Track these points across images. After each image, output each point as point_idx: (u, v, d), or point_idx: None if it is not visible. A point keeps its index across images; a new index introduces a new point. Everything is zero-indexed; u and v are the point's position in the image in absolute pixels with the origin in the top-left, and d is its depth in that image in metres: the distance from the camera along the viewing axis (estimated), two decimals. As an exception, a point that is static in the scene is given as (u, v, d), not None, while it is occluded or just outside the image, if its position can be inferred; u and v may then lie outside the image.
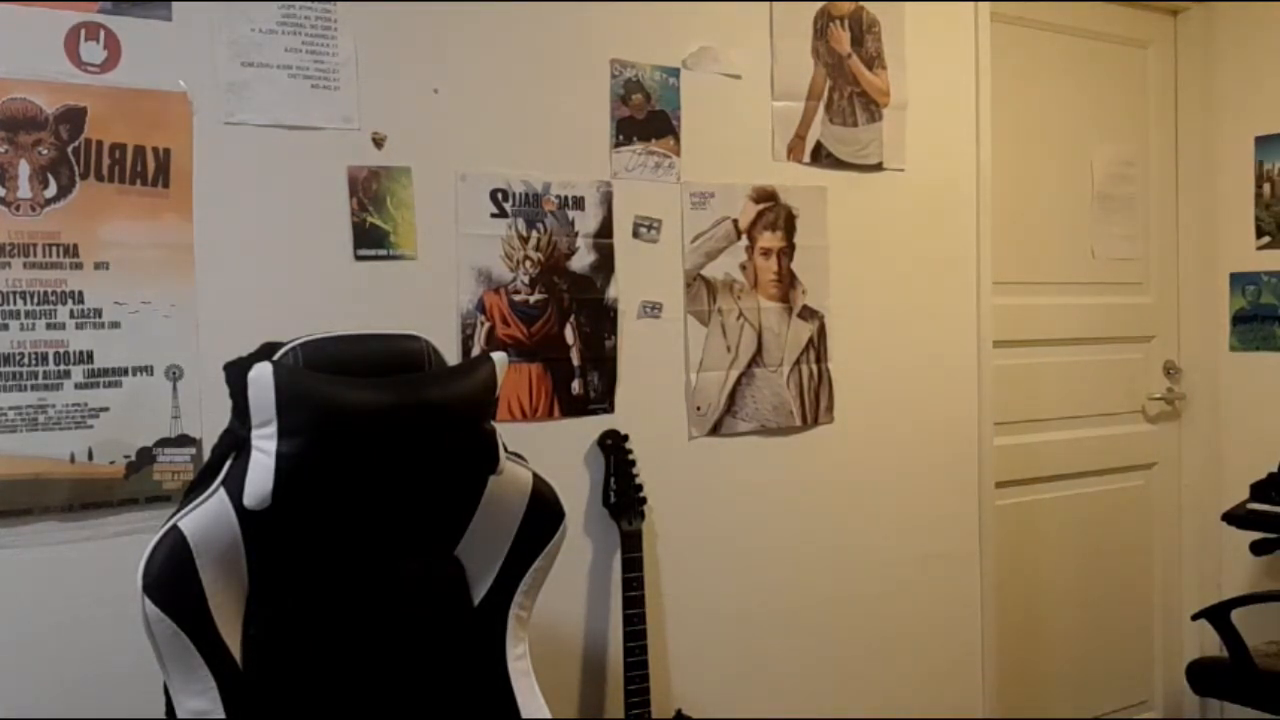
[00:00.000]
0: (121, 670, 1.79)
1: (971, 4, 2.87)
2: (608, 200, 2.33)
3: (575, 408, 2.30)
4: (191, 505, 1.44)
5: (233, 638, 1.45)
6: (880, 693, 2.74)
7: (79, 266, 1.83)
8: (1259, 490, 2.92)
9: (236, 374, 1.46)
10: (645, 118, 2.37)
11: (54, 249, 1.81)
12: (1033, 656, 3.16)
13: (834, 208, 2.63)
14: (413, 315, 2.04)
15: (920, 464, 2.79)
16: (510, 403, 2.21)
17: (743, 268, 2.50)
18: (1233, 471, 3.27)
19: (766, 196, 2.53)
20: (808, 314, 2.59)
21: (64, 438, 1.82)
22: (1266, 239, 3.25)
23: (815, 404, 2.61)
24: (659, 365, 2.40)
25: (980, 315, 2.89)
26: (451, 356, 2.07)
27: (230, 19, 1.95)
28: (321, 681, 1.55)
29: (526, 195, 2.24)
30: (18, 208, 1.78)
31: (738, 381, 2.50)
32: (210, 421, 1.88)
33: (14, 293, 1.78)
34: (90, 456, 1.84)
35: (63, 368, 1.82)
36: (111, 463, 1.85)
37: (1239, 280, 3.32)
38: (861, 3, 2.66)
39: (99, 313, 1.84)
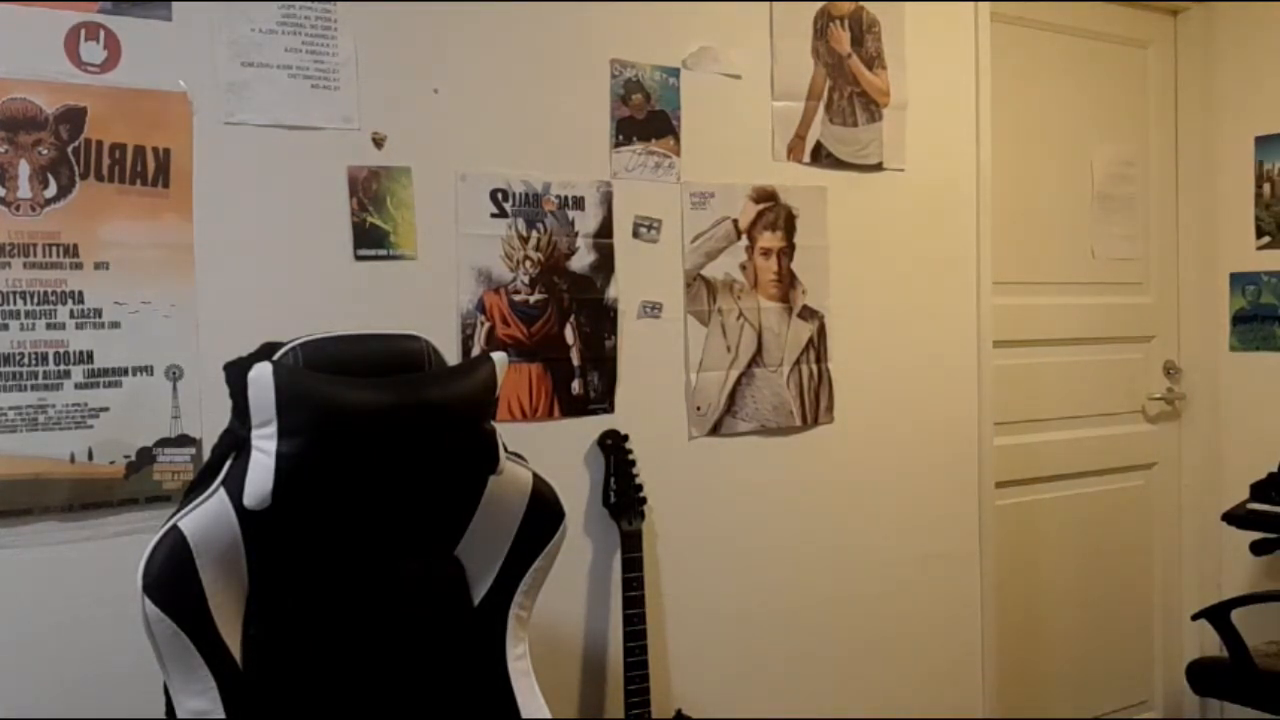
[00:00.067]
0: (121, 670, 1.79)
1: (971, 4, 2.87)
2: (608, 200, 2.33)
3: (575, 408, 2.30)
4: (191, 505, 1.44)
5: (233, 638, 1.45)
6: (880, 693, 2.74)
7: (79, 266, 1.83)
8: (1259, 490, 2.92)
9: (236, 374, 1.46)
10: (645, 118, 2.37)
11: (54, 249, 1.81)
12: (1033, 656, 3.16)
13: (834, 208, 2.63)
14: (413, 315, 2.03)
15: (920, 464, 2.79)
16: (510, 403, 2.21)
17: (743, 268, 2.50)
18: (1233, 471, 3.27)
19: (766, 196, 2.53)
20: (808, 314, 2.59)
21: (64, 438, 1.82)
22: (1266, 239, 3.25)
23: (815, 404, 2.61)
24: (659, 365, 2.40)
25: (980, 315, 2.89)
26: (451, 356, 2.07)
27: (230, 19, 1.95)
28: (321, 681, 1.55)
29: (526, 195, 2.24)
30: (18, 208, 1.78)
31: (738, 381, 2.50)
32: (210, 421, 1.88)
33: (14, 293, 1.78)
34: (90, 456, 1.84)
35: (63, 368, 1.82)
36: (111, 463, 1.85)
37: (1239, 280, 3.32)
38: (861, 3, 2.66)
39: (99, 313, 1.84)
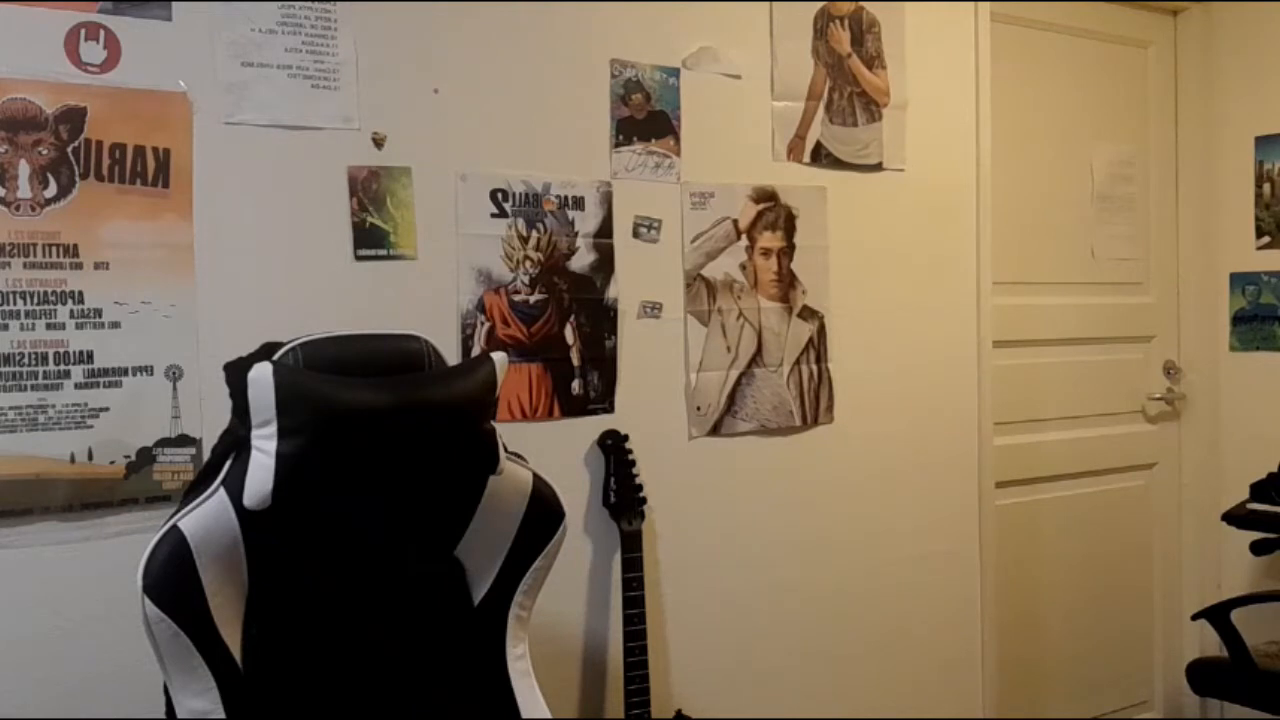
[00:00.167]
0: (121, 670, 1.79)
1: (971, 4, 2.87)
2: (608, 200, 2.33)
3: (575, 408, 2.30)
4: (191, 505, 1.44)
5: (233, 638, 1.45)
6: (880, 693, 2.74)
7: (79, 266, 1.83)
8: (1259, 490, 2.92)
9: (236, 374, 1.46)
10: (645, 118, 2.37)
11: (54, 249, 1.81)
12: (1033, 656, 3.16)
13: (834, 208, 2.63)
14: (413, 315, 2.04)
15: (920, 464, 2.79)
16: (510, 403, 2.21)
17: (743, 268, 2.50)
18: (1233, 471, 3.26)
19: (766, 196, 2.53)
20: (808, 314, 2.59)
21: (64, 438, 1.82)
22: (1266, 239, 3.25)
23: (815, 404, 2.61)
24: (659, 365, 2.40)
25: (980, 315, 2.89)
26: (451, 356, 2.07)
27: (230, 19, 1.95)
28: (321, 682, 1.55)
29: (526, 195, 2.24)
30: (18, 208, 1.78)
31: (738, 381, 2.50)
32: (210, 421, 1.88)
33: (14, 293, 1.78)
34: (90, 456, 1.84)
35: (63, 368, 1.82)
36: (111, 463, 1.85)
37: (1239, 280, 3.32)
38: (861, 3, 2.66)
39: (99, 313, 1.84)
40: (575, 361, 2.29)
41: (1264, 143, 3.24)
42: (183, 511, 1.44)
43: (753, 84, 2.52)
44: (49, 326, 1.81)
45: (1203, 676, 2.76)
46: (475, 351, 2.17)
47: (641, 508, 2.30)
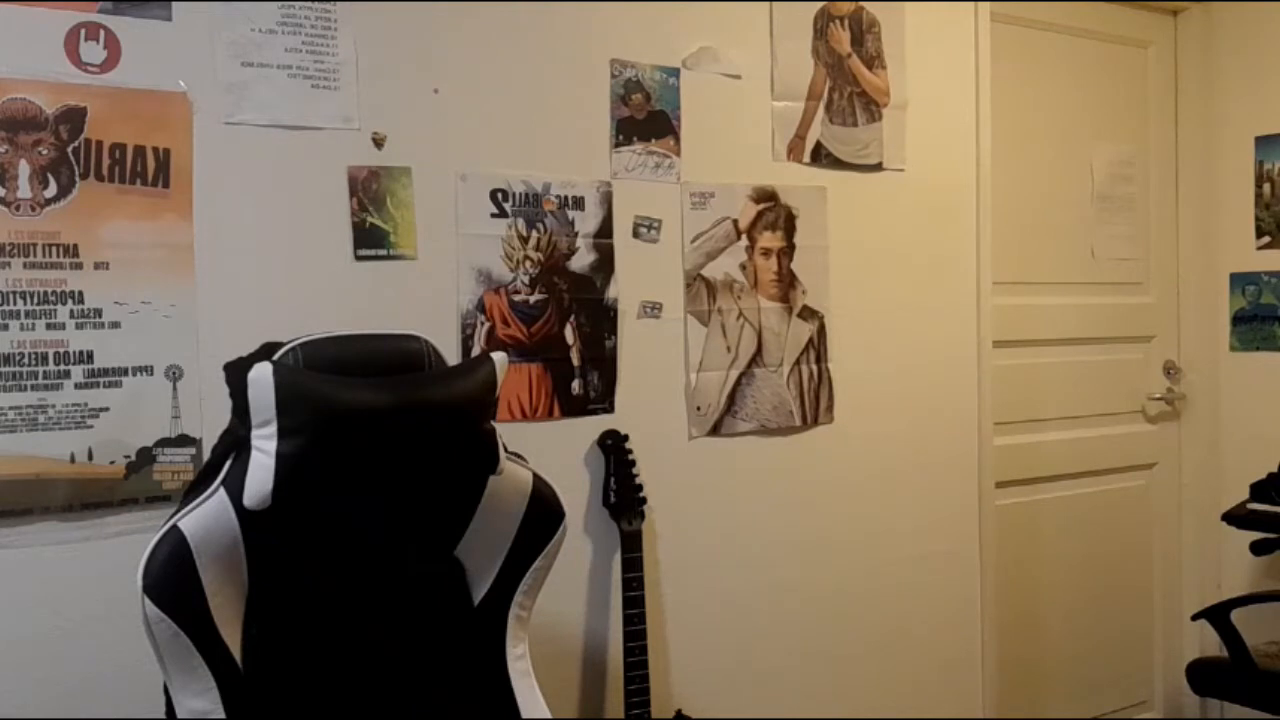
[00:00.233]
0: (121, 670, 1.79)
1: (971, 4, 2.87)
2: (608, 200, 2.33)
3: (575, 408, 2.30)
4: (191, 505, 1.44)
5: (233, 638, 1.45)
6: (880, 692, 2.74)
7: (79, 266, 1.83)
8: (1259, 490, 2.92)
9: (236, 374, 1.46)
10: (645, 118, 2.37)
11: (54, 249, 1.81)
12: (1032, 656, 3.16)
13: (834, 208, 2.63)
14: (413, 315, 2.04)
15: (920, 464, 2.79)
16: (510, 403, 2.21)
17: (743, 268, 2.50)
18: (1233, 471, 3.26)
19: (766, 196, 2.53)
20: (808, 314, 2.59)
21: (64, 438, 1.82)
22: (1266, 239, 3.25)
23: (815, 404, 2.61)
24: (659, 365, 2.40)
25: (980, 315, 2.89)
26: (451, 356, 2.07)
27: (230, 19, 1.95)
28: (321, 682, 1.55)
29: (526, 195, 2.24)
30: (18, 208, 1.78)
31: (738, 381, 2.50)
32: (210, 421, 1.88)
33: (14, 293, 1.78)
34: (90, 456, 1.84)
35: (63, 368, 1.82)
36: (111, 463, 1.85)
37: (1239, 280, 3.32)
38: (861, 3, 2.66)
39: (99, 313, 1.84)
40: (575, 361, 2.29)
41: (1264, 143, 3.24)
42: (183, 511, 1.44)
43: (753, 84, 2.52)
44: (49, 326, 1.81)
45: (1203, 676, 2.76)
46: (475, 351, 2.17)
47: (641, 508, 2.30)
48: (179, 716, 1.41)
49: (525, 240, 2.24)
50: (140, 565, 1.38)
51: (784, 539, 2.58)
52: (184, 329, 1.91)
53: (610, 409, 2.34)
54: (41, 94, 1.80)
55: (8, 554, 1.78)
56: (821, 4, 2.61)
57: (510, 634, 1.70)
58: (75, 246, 1.82)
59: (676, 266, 2.42)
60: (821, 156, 2.61)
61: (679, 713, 2.38)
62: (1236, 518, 2.91)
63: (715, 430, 2.47)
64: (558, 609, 2.23)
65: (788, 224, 2.56)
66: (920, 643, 2.81)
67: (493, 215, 2.20)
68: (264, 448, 1.43)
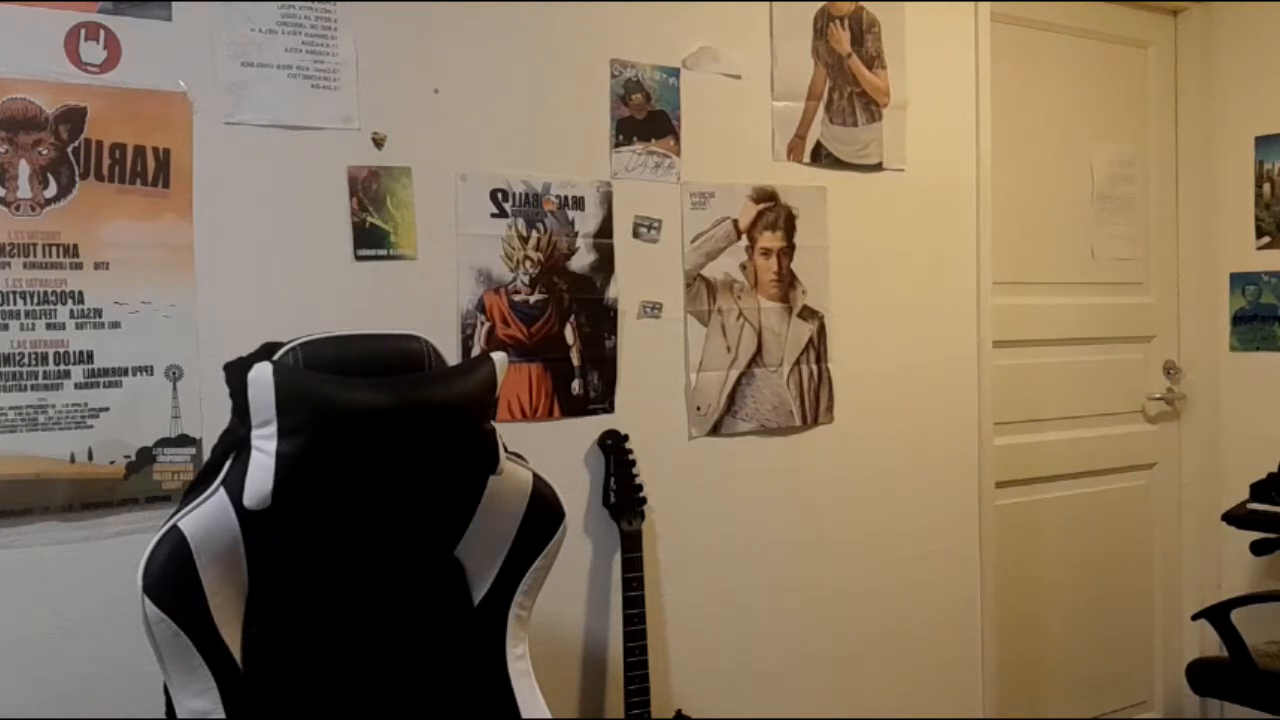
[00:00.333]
0: (121, 670, 1.79)
1: (971, 4, 2.87)
2: (608, 200, 2.33)
3: (575, 408, 2.30)
4: (191, 505, 1.44)
5: (233, 638, 1.45)
6: (880, 692, 2.74)
7: (79, 266, 1.83)
8: (1259, 490, 2.92)
9: (236, 374, 1.46)
10: (645, 118, 2.37)
11: (54, 249, 1.81)
12: (1032, 656, 3.16)
13: (834, 208, 2.63)
14: (413, 315, 2.04)
15: (920, 464, 2.79)
16: (510, 403, 2.21)
17: (743, 268, 2.50)
18: (1233, 471, 3.26)
19: (766, 196, 2.53)
20: (808, 314, 2.59)
21: (64, 438, 1.82)
22: (1266, 239, 3.25)
23: (815, 404, 2.61)
24: (659, 365, 2.40)
25: (980, 315, 2.89)
26: (451, 356, 2.07)
27: (230, 19, 1.95)
28: (321, 682, 1.55)
29: (526, 195, 2.24)
30: (18, 208, 1.78)
31: (738, 381, 2.50)
32: (210, 421, 1.88)
33: (14, 293, 1.78)
34: (90, 456, 1.84)
35: (63, 368, 1.82)
36: (111, 463, 1.85)
37: (1239, 280, 3.32)
38: (861, 3, 2.66)
39: (99, 313, 1.84)
40: (575, 361, 2.29)
41: (1264, 143, 3.24)
42: (183, 511, 1.44)
43: (753, 84, 2.52)
44: (49, 326, 1.81)
45: (1203, 676, 2.76)
46: (475, 351, 2.17)
47: (641, 508, 2.30)
48: (179, 716, 1.41)
49: (525, 240, 2.24)
50: (140, 565, 1.38)
51: (784, 539, 2.58)
52: (184, 329, 1.91)
53: (610, 409, 2.34)
54: (41, 94, 1.80)
55: (8, 554, 1.78)
56: (821, 4, 2.61)
57: (510, 634, 1.70)
58: (75, 246, 1.82)
59: (676, 266, 2.42)
60: (821, 156, 2.61)
61: (679, 713, 2.38)
62: (1236, 518, 2.91)
63: (715, 430, 2.47)
64: (558, 609, 2.23)
65: (788, 224, 2.56)
66: (920, 643, 2.81)
67: (493, 215, 2.20)
68: (264, 448, 1.43)
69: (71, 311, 1.82)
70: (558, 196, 2.27)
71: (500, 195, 2.21)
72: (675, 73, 2.41)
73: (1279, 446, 3.07)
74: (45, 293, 1.80)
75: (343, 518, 1.57)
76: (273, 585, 1.50)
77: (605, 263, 2.33)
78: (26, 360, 1.79)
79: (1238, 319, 3.32)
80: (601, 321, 2.32)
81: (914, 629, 2.79)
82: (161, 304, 1.89)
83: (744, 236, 2.50)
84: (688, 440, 2.45)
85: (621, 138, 2.35)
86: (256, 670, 1.47)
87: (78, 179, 1.83)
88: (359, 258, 2.07)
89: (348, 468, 1.49)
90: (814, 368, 2.60)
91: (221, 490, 1.45)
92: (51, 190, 1.81)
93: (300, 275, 2.02)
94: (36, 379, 1.80)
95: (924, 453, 2.80)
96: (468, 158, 2.17)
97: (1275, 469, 2.93)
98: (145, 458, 1.88)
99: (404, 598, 1.63)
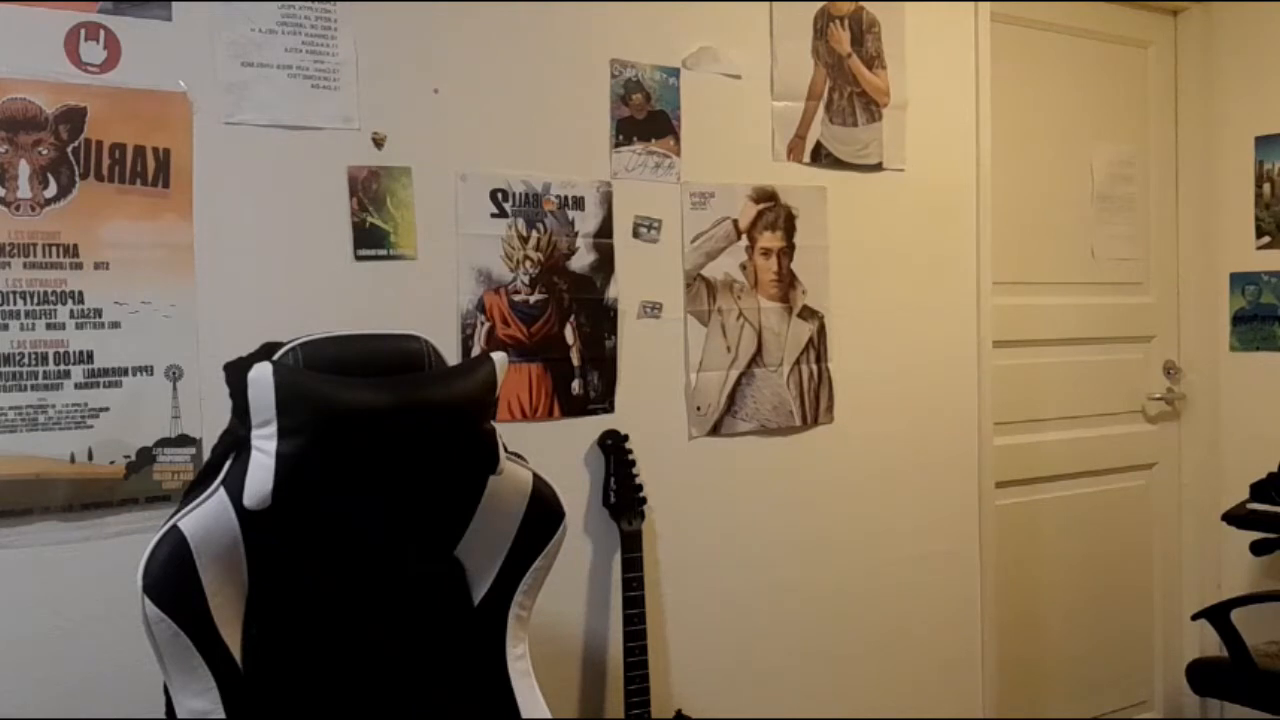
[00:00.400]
0: (121, 670, 1.79)
1: (971, 4, 2.87)
2: (608, 200, 2.33)
3: (575, 408, 2.30)
4: (191, 505, 1.44)
5: (233, 638, 1.45)
6: (880, 692, 2.74)
7: (79, 266, 1.83)
8: (1259, 490, 2.92)
9: (236, 374, 1.46)
10: (645, 118, 2.37)
11: (54, 249, 1.81)
12: (1033, 656, 3.16)
13: (834, 208, 2.63)
14: (413, 315, 2.04)
15: (920, 464, 2.79)
16: (510, 403, 2.21)
17: (743, 268, 2.50)
18: (1233, 471, 3.26)
19: (766, 196, 2.53)
20: (808, 314, 2.59)
21: (64, 438, 1.82)
22: (1266, 239, 3.25)
23: (815, 404, 2.61)
24: (659, 365, 2.40)
25: (980, 315, 2.89)
26: (451, 356, 2.07)
27: (230, 19, 1.95)
28: (321, 682, 1.55)
29: (526, 195, 2.24)
30: (18, 208, 1.78)
31: (738, 381, 2.49)
32: (210, 421, 1.88)
33: (14, 293, 1.78)
34: (90, 456, 1.84)
35: (63, 368, 1.82)
36: (111, 463, 1.85)
37: (1239, 280, 3.32)
38: (861, 3, 2.66)
39: (99, 313, 1.84)
40: (575, 361, 2.29)
41: (1264, 143, 3.24)
42: (183, 511, 1.44)
43: (753, 84, 2.52)
44: (49, 326, 1.81)
45: (1203, 676, 2.76)
46: (475, 351, 2.17)
47: (641, 508, 2.30)
48: (179, 716, 1.41)
49: (525, 240, 2.24)
50: (140, 565, 1.38)
51: (784, 539, 2.58)
52: (184, 329, 1.91)
53: (610, 409, 2.34)
54: (41, 94, 1.80)
55: (8, 554, 1.78)
56: (821, 4, 2.61)
57: (510, 634, 1.70)
58: (75, 246, 1.82)
59: (676, 266, 2.42)
60: (821, 156, 2.61)
61: (679, 713, 2.38)
62: (1236, 518, 2.91)
63: (715, 430, 2.47)
64: (558, 609, 2.23)
65: (788, 224, 2.56)
66: (920, 643, 2.81)
67: (493, 215, 2.20)
68: (264, 448, 1.43)
69: (71, 311, 1.82)
70: (558, 196, 2.27)
71: (500, 195, 2.21)
72: (675, 73, 2.41)
73: (1279, 446, 3.07)
74: (45, 293, 1.80)
75: (343, 518, 1.57)
76: (273, 585, 1.50)
77: (605, 263, 2.33)
78: (26, 360, 1.79)
79: (1238, 319, 3.32)
80: (601, 321, 2.32)
81: (914, 629, 2.79)
82: (161, 304, 1.89)
83: (744, 236, 2.50)
84: (688, 440, 2.45)
85: (621, 138, 2.35)
86: (256, 670, 1.47)
87: (78, 179, 1.83)
88: (359, 258, 2.07)
89: (348, 468, 1.49)
90: (814, 368, 2.60)
91: (221, 490, 1.45)
92: (51, 190, 1.81)
93: (300, 275, 2.02)
94: (36, 379, 1.80)
95: (924, 453, 2.80)
96: (468, 158, 2.17)
97: (1275, 469, 2.93)
98: (145, 458, 1.88)
99: (404, 598, 1.63)
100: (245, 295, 1.96)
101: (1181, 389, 3.41)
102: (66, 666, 1.82)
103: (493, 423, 1.62)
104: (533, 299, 2.24)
